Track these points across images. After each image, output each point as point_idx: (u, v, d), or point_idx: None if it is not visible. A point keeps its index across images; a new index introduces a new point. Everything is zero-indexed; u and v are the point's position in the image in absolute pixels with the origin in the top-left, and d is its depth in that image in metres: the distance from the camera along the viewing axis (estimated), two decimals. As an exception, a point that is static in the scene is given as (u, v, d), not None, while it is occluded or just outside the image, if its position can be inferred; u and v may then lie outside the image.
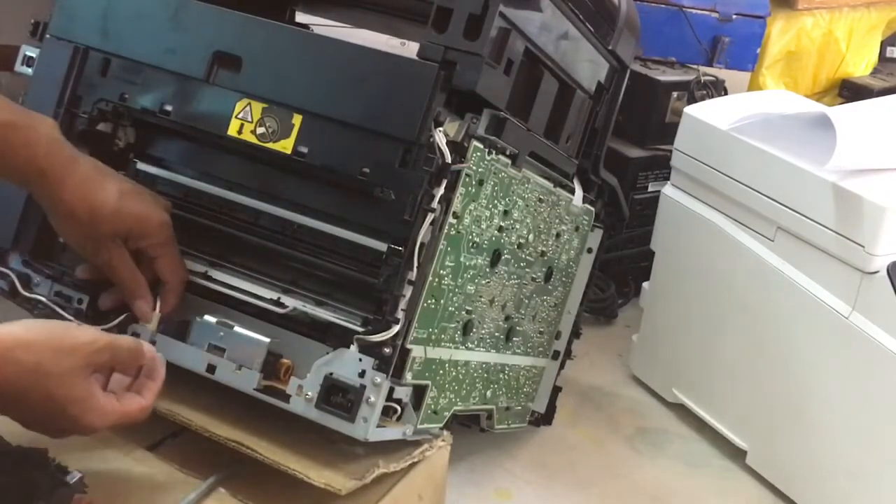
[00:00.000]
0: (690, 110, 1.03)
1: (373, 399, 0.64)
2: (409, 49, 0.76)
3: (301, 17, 0.93)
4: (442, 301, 0.70)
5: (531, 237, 0.82)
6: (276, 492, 0.65)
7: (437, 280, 0.68)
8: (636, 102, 1.18)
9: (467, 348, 0.77)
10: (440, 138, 0.65)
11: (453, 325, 0.73)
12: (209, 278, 0.73)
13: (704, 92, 1.31)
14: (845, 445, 0.87)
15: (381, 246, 0.68)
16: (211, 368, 0.67)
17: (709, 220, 1.00)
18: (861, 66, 1.67)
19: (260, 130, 0.69)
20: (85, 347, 0.58)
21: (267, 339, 0.67)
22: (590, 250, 0.95)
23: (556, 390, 0.96)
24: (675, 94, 1.29)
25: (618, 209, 1.03)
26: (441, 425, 0.75)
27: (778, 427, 0.94)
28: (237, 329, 0.68)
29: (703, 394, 1.04)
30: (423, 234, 0.65)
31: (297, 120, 0.69)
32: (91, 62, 0.73)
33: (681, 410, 1.07)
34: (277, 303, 0.70)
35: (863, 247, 0.83)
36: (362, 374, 0.64)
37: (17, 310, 0.74)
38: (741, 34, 1.42)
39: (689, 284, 1.04)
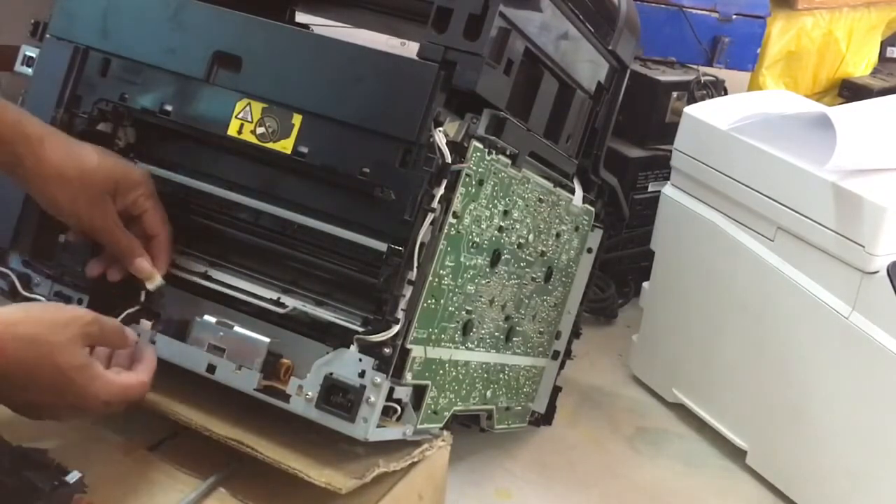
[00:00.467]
0: (690, 110, 1.03)
1: (373, 399, 0.64)
2: (409, 49, 0.76)
3: (301, 17, 0.93)
4: (442, 301, 0.70)
5: (531, 237, 0.82)
6: (277, 491, 0.65)
7: (437, 280, 0.68)
8: (636, 102, 1.18)
9: (467, 348, 0.77)
10: (440, 138, 0.65)
11: (453, 325, 0.73)
12: (209, 278, 0.73)
13: (704, 92, 1.31)
14: (845, 445, 0.87)
15: (381, 246, 0.68)
16: (211, 368, 0.67)
17: (709, 220, 1.00)
18: (861, 66, 1.67)
19: (260, 130, 0.69)
20: (76, 321, 0.60)
21: (267, 339, 0.67)
22: (590, 250, 0.95)
23: (556, 390, 0.96)
24: (675, 94, 1.29)
25: (618, 209, 1.04)
26: (441, 425, 0.75)
27: (778, 427, 0.94)
28: (237, 329, 0.68)
29: (703, 394, 1.04)
30: (423, 234, 0.65)
31: (296, 120, 0.69)
32: (91, 62, 0.73)
33: (681, 410, 1.07)
34: (277, 303, 0.70)
35: (863, 247, 0.83)
36: (362, 374, 0.64)
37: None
38: (741, 34, 1.42)
39: (689, 284, 1.04)
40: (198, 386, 0.68)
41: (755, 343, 0.96)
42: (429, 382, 0.71)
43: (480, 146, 0.69)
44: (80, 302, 0.72)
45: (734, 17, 1.41)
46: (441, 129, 0.66)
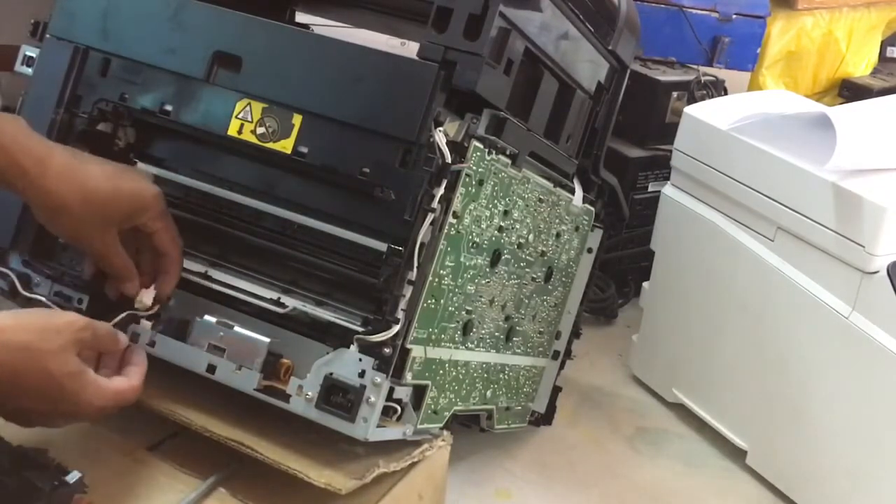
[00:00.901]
0: (690, 110, 1.03)
1: (373, 399, 0.64)
2: (409, 49, 0.76)
3: (301, 17, 0.93)
4: (442, 301, 0.70)
5: (531, 237, 0.82)
6: (276, 491, 0.65)
7: (437, 280, 0.68)
8: (636, 102, 1.18)
9: (467, 348, 0.77)
10: (440, 138, 0.65)
11: (453, 325, 0.73)
12: (209, 278, 0.73)
13: (704, 92, 1.31)
14: (845, 445, 0.87)
15: (381, 246, 0.68)
16: (211, 368, 0.67)
17: (709, 220, 1.00)
18: (861, 66, 1.67)
19: (260, 130, 0.69)
20: (69, 326, 0.60)
21: (267, 339, 0.67)
22: (590, 250, 0.95)
23: (556, 390, 0.96)
24: (675, 94, 1.29)
25: (618, 209, 1.04)
26: (441, 425, 0.75)
27: (778, 427, 0.94)
28: (237, 329, 0.68)
29: (703, 394, 1.04)
30: (423, 234, 0.65)
31: (297, 120, 0.69)
32: (91, 62, 0.73)
33: (681, 410, 1.07)
34: (277, 303, 0.70)
35: (863, 247, 0.83)
36: (362, 374, 0.64)
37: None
38: (741, 34, 1.42)
39: (689, 284, 1.04)
40: (198, 386, 0.68)
41: (755, 343, 0.96)
42: (429, 382, 0.71)
43: (480, 146, 0.69)
44: (80, 302, 0.72)
45: (734, 17, 1.41)
46: (441, 129, 0.66)
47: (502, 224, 0.76)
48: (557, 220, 0.87)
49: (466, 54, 0.66)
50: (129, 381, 0.63)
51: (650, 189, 1.28)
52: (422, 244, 0.66)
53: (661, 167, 1.25)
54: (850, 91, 1.63)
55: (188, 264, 0.74)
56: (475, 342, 0.78)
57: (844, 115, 0.87)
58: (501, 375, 0.85)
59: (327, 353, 0.65)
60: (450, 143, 0.66)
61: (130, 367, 0.65)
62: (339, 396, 0.64)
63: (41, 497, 0.56)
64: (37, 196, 0.65)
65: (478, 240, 0.73)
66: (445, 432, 0.75)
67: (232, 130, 0.70)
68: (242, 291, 0.71)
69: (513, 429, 0.93)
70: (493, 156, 0.71)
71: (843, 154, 0.83)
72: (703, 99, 1.28)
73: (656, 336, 1.10)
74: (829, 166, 0.84)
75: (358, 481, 0.65)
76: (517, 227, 0.79)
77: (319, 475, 0.64)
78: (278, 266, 0.74)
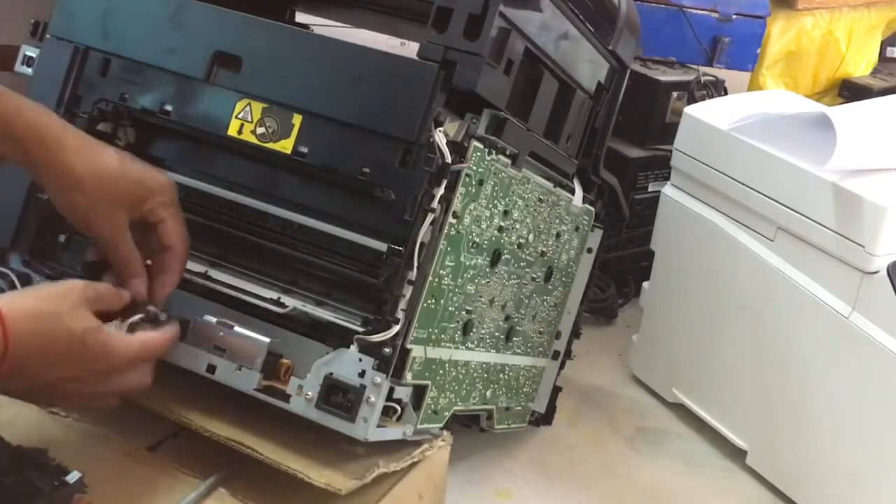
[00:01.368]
0: (690, 110, 1.03)
1: (373, 399, 0.64)
2: (409, 49, 0.76)
3: (301, 17, 0.93)
4: (442, 301, 0.70)
5: (531, 237, 0.82)
6: (276, 492, 0.65)
7: (437, 280, 0.68)
8: (636, 102, 1.18)
9: (467, 348, 0.77)
10: (440, 138, 0.65)
11: (453, 325, 0.73)
12: (209, 278, 0.73)
13: (704, 92, 1.31)
14: (845, 445, 0.87)
15: (381, 246, 0.68)
16: (211, 368, 0.67)
17: (709, 220, 1.00)
18: (861, 66, 1.67)
19: (260, 130, 0.69)
20: (73, 288, 0.61)
21: (267, 339, 0.67)
22: (590, 250, 0.95)
23: (556, 390, 0.96)
24: (675, 94, 1.29)
25: (618, 209, 1.04)
26: (441, 425, 0.75)
27: (778, 427, 0.94)
28: (237, 329, 0.68)
29: (703, 394, 1.04)
30: (423, 234, 0.65)
31: (297, 120, 0.69)
32: (91, 62, 0.73)
33: (681, 410, 1.07)
34: (277, 303, 0.70)
35: (863, 247, 0.83)
36: (362, 374, 0.64)
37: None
38: (741, 34, 1.42)
39: (689, 284, 1.04)
40: (198, 386, 0.68)
41: (755, 343, 0.96)
42: (429, 382, 0.71)
43: (480, 146, 0.69)
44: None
45: (734, 17, 1.41)
46: (441, 129, 0.66)
47: (502, 224, 0.76)
48: (557, 220, 0.87)
49: (466, 54, 0.66)
50: (156, 333, 0.64)
51: (650, 189, 1.28)
52: (422, 244, 0.66)
53: (661, 167, 1.25)
54: (850, 91, 1.63)
55: (188, 264, 0.74)
56: (475, 342, 0.78)
57: (844, 115, 0.87)
58: (501, 375, 0.85)
59: (327, 353, 0.65)
60: (450, 143, 0.66)
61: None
62: (339, 396, 0.64)
63: (41, 497, 0.56)
64: (55, 171, 0.64)
65: (478, 240, 0.73)
66: (445, 432, 0.75)
67: (232, 130, 0.70)
68: (242, 291, 0.71)
69: (513, 429, 0.93)
70: (493, 156, 0.71)
71: (843, 154, 0.83)
72: (703, 99, 1.28)
73: (656, 336, 1.10)
74: (829, 166, 0.84)
75: (358, 481, 0.65)
76: (517, 227, 0.79)
77: (319, 475, 0.64)
78: (278, 266, 0.74)
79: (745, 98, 1.12)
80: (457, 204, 0.68)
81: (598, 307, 1.25)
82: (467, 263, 0.72)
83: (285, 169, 0.71)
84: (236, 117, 0.70)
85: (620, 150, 1.26)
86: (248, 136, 0.70)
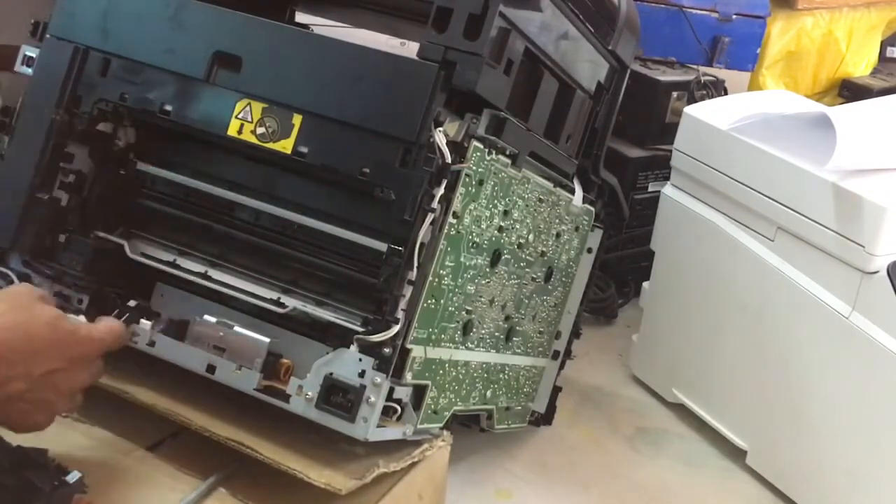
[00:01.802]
0: (690, 110, 1.03)
1: (373, 399, 0.64)
2: (409, 49, 0.76)
3: (301, 17, 0.93)
4: (442, 301, 0.70)
5: (531, 237, 0.82)
6: (276, 492, 0.65)
7: (437, 280, 0.68)
8: (636, 102, 1.18)
9: (467, 348, 0.77)
10: (440, 138, 0.65)
11: (453, 325, 0.73)
12: (209, 278, 0.73)
13: (704, 92, 1.31)
14: (845, 445, 0.87)
15: (381, 246, 0.68)
16: (211, 368, 0.67)
17: (709, 220, 1.00)
18: (861, 66, 1.67)
19: (260, 130, 0.69)
20: (22, 289, 0.62)
21: (267, 339, 0.67)
22: (590, 250, 0.95)
23: (556, 390, 0.96)
24: (675, 94, 1.29)
25: (618, 209, 1.04)
26: (441, 425, 0.75)
27: (778, 427, 0.94)
28: (237, 329, 0.68)
29: (703, 394, 1.04)
30: (423, 234, 0.65)
31: (297, 120, 0.69)
32: (91, 62, 0.73)
33: (681, 410, 1.07)
34: (277, 303, 0.70)
35: (863, 247, 0.83)
36: (362, 374, 0.64)
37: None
38: (741, 34, 1.42)
39: (689, 284, 1.04)
40: (198, 386, 0.68)
41: (755, 343, 0.96)
42: (429, 382, 0.71)
43: (480, 146, 0.69)
44: (80, 302, 0.71)
45: (734, 17, 1.41)
46: (441, 129, 0.66)
47: (502, 224, 0.76)
48: (557, 220, 0.87)
49: (466, 54, 0.66)
50: (114, 320, 0.66)
51: (650, 189, 1.28)
52: (422, 244, 0.65)
53: (661, 167, 1.25)
54: (850, 91, 1.63)
55: (188, 264, 0.74)
56: (475, 342, 0.78)
57: (844, 115, 0.87)
58: (501, 375, 0.85)
59: (327, 353, 0.65)
60: (450, 143, 0.66)
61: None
62: (339, 396, 0.64)
63: (41, 497, 0.56)
64: None
65: (478, 240, 0.73)
66: (445, 432, 0.75)
67: (232, 130, 0.70)
68: (242, 291, 0.71)
69: (513, 429, 0.93)
70: (493, 156, 0.71)
71: (843, 154, 0.83)
72: (703, 99, 1.28)
73: (656, 336, 1.10)
74: (829, 166, 0.84)
75: (358, 481, 0.65)
76: (517, 227, 0.79)
77: (319, 475, 0.64)
78: (278, 266, 0.74)
79: (745, 98, 1.12)
80: (457, 204, 0.68)
81: (598, 307, 1.25)
82: (467, 263, 0.72)
83: (285, 169, 0.71)
84: (236, 117, 0.70)
85: (620, 150, 1.26)
86: (248, 136, 0.70)
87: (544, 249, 0.86)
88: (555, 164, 0.85)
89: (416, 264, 0.65)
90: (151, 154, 0.76)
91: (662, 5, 1.37)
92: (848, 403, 0.87)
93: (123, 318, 0.68)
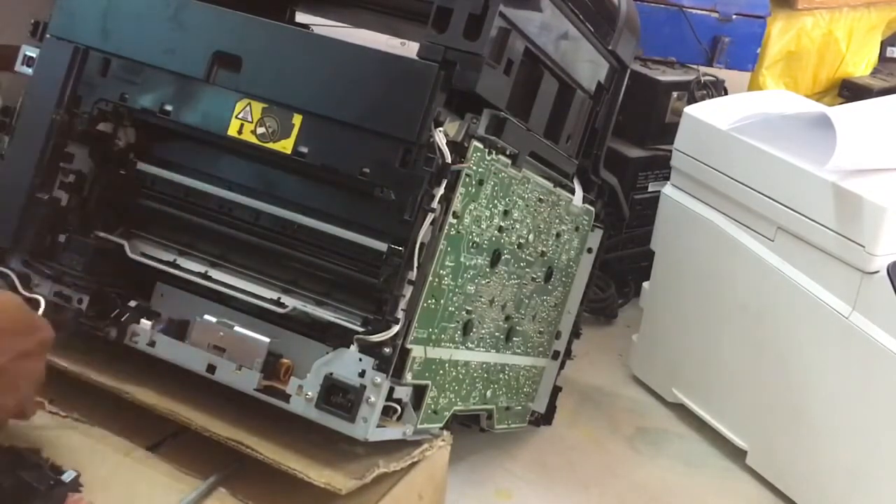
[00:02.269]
0: (690, 110, 1.03)
1: (373, 399, 0.64)
2: (409, 49, 0.76)
3: (301, 17, 0.93)
4: (442, 301, 0.70)
5: (531, 237, 0.82)
6: (276, 491, 0.65)
7: (437, 280, 0.68)
8: (636, 102, 1.18)
9: (467, 348, 0.77)
10: (440, 138, 0.65)
11: (453, 325, 0.73)
12: (209, 278, 0.73)
13: (704, 92, 1.31)
14: (845, 445, 0.87)
15: (381, 246, 0.68)
16: (211, 368, 0.67)
17: (709, 220, 1.00)
18: (861, 66, 1.67)
19: (260, 130, 0.69)
20: None
21: (267, 339, 0.67)
22: (590, 250, 0.95)
23: (556, 390, 0.96)
24: (675, 94, 1.29)
25: (618, 209, 1.04)
26: (441, 425, 0.75)
27: (778, 427, 0.94)
28: (237, 329, 0.68)
29: (703, 394, 1.04)
30: (423, 234, 0.65)
31: (297, 120, 0.69)
32: (91, 62, 0.73)
33: (681, 410, 1.07)
34: (277, 303, 0.70)
35: (863, 247, 0.83)
36: (362, 374, 0.64)
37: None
38: (741, 34, 1.42)
39: (689, 284, 1.04)
40: (198, 386, 0.68)
41: (755, 343, 0.96)
42: (429, 382, 0.71)
43: (480, 146, 0.69)
44: (80, 302, 0.71)
45: (734, 17, 1.41)
46: (441, 129, 0.66)
47: (502, 224, 0.76)
48: (557, 220, 0.87)
49: (466, 54, 0.66)
50: None
51: (650, 189, 1.28)
52: (422, 244, 0.65)
53: (661, 167, 1.25)
54: (850, 91, 1.63)
55: (188, 264, 0.74)
56: (475, 342, 0.78)
57: (844, 115, 0.87)
58: (501, 375, 0.85)
59: (327, 353, 0.65)
60: (450, 143, 0.66)
61: None
62: (339, 396, 0.64)
63: (37, 496, 0.56)
64: None
65: (478, 240, 0.73)
66: (445, 432, 0.75)
67: (232, 130, 0.70)
68: (242, 291, 0.71)
69: (513, 429, 0.93)
70: (493, 156, 0.71)
71: (843, 154, 0.83)
72: (703, 99, 1.28)
73: (656, 336, 1.10)
74: (829, 166, 0.84)
75: (358, 481, 0.65)
76: (517, 227, 0.79)
77: (319, 475, 0.64)
78: (278, 266, 0.74)
79: (745, 98, 1.12)
80: (457, 204, 0.68)
81: (598, 307, 1.25)
82: (467, 263, 0.72)
83: (285, 169, 0.71)
84: (236, 117, 0.70)
85: (620, 150, 1.26)
86: (248, 136, 0.70)
87: (544, 249, 0.86)
88: (555, 164, 0.85)
89: (416, 264, 0.65)
90: (151, 154, 0.76)
91: (662, 5, 1.37)
92: (848, 403, 0.87)
93: (124, 318, 0.68)
